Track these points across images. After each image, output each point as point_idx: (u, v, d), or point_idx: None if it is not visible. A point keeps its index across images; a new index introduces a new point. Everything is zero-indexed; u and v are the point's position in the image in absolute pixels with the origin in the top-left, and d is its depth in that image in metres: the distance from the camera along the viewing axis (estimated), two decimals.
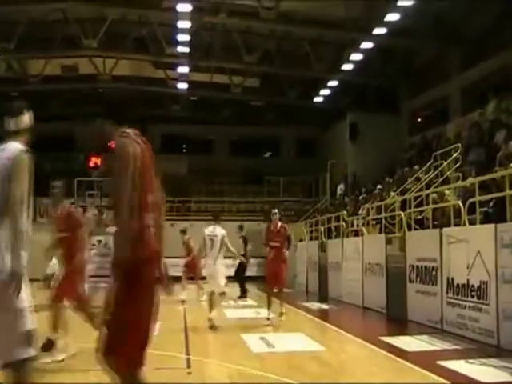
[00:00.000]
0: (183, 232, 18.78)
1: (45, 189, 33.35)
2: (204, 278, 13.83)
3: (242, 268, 20.18)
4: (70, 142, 34.99)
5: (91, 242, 27.13)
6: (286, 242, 13.05)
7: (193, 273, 17.77)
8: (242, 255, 20.14)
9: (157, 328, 11.38)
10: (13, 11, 24.45)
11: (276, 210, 13.69)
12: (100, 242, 27.01)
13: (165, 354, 8.99)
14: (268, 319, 12.26)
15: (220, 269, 11.92)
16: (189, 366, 8.16)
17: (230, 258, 13.32)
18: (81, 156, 32.64)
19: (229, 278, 19.27)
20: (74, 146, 34.90)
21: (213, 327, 11.26)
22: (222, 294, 11.85)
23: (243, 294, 19.70)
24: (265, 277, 14.00)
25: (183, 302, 16.63)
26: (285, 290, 22.48)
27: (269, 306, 12.68)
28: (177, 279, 18.43)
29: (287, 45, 27.87)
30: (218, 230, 12.06)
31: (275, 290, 13.01)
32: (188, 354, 8.96)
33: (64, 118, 33.35)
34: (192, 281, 17.87)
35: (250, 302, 17.84)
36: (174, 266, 26.57)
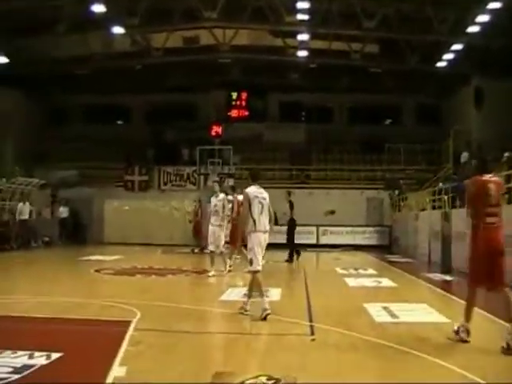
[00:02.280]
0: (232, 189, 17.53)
1: (169, 157, 34.39)
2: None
3: (292, 231, 20.36)
4: (192, 111, 36.04)
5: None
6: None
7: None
8: (290, 219, 20.53)
9: (279, 294, 11.56)
10: None
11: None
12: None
13: (289, 320, 9.14)
14: (462, 333, 7.73)
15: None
16: (312, 333, 8.24)
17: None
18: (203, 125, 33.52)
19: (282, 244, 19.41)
20: (195, 116, 35.90)
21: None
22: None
23: (291, 258, 19.83)
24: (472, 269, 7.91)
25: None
26: (409, 260, 22.17)
27: (468, 317, 7.72)
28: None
29: (407, 8, 26.97)
30: (265, 193, 9.38)
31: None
32: (311, 321, 9.04)
33: (186, 89, 34.23)
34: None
35: (370, 271, 17.71)
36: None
